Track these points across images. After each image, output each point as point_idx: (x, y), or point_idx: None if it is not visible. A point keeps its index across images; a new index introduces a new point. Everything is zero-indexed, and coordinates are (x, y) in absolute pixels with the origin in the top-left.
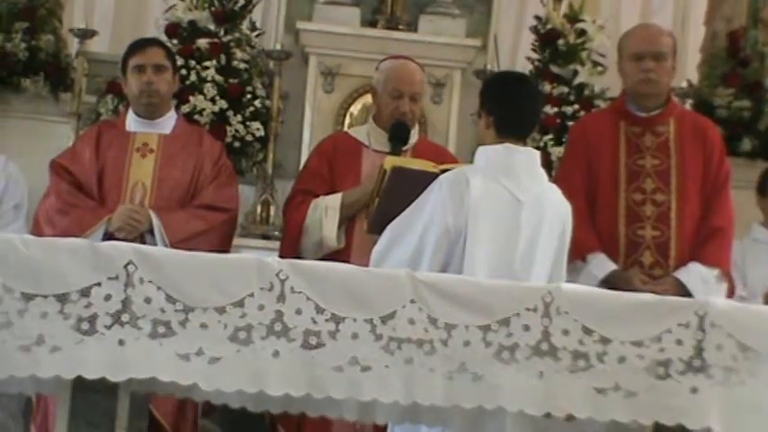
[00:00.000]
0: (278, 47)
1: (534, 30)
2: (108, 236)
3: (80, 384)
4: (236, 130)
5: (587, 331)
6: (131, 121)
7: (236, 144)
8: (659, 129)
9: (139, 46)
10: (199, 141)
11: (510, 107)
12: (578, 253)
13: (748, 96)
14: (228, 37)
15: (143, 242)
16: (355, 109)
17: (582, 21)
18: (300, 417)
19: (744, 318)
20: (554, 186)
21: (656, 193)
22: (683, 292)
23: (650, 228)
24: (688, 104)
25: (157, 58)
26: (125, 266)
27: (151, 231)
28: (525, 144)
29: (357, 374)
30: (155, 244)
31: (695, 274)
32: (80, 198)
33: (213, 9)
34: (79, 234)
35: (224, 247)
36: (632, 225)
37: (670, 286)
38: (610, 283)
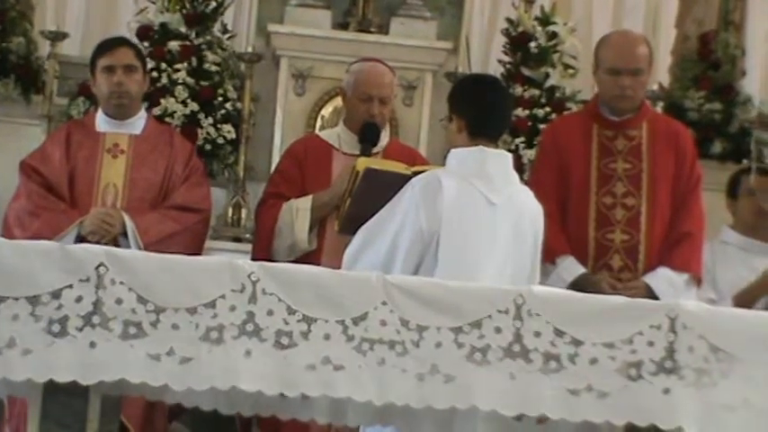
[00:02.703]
0: (249, 49)
1: (506, 32)
2: (80, 239)
3: (51, 386)
4: (208, 133)
5: (559, 333)
6: (101, 122)
7: (208, 147)
8: (631, 132)
9: (109, 46)
10: (170, 141)
11: (481, 109)
12: (548, 255)
13: (719, 99)
14: (200, 39)
15: (116, 244)
16: (326, 112)
17: (553, 23)
18: (278, 421)
19: (715, 320)
20: (526, 189)
21: (627, 197)
22: (651, 296)
23: (620, 232)
24: (659, 107)
25: (127, 59)
26: (96, 268)
27: (124, 234)
28: (497, 146)
29: (330, 373)
30: (128, 247)
31: (663, 279)
32: (51, 200)
33: (184, 12)
34: (51, 237)
35: (197, 247)
36: (602, 229)
37: (638, 290)
38: (578, 286)
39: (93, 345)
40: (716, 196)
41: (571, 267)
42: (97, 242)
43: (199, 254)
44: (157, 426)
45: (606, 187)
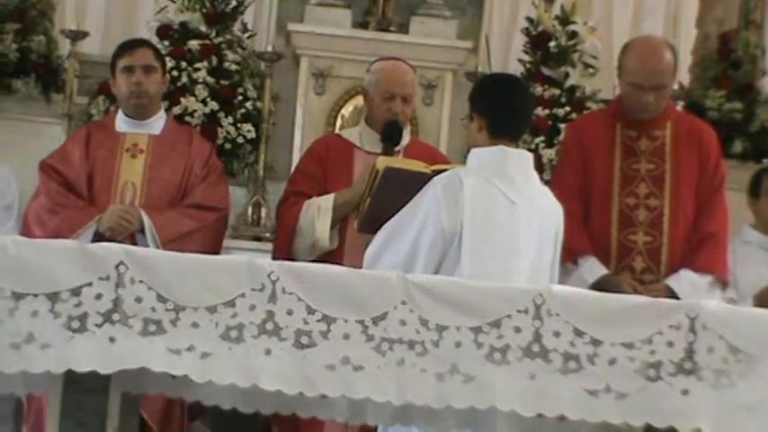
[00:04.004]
0: (269, 48)
1: (526, 32)
2: (98, 236)
3: (71, 384)
4: (228, 132)
5: (578, 333)
6: (121, 122)
7: (228, 146)
8: (655, 133)
9: (128, 47)
10: (189, 141)
11: (502, 109)
12: (570, 255)
13: (740, 98)
14: (220, 38)
15: (134, 242)
16: (346, 111)
17: (573, 23)
18: (296, 419)
19: (735, 320)
20: (546, 188)
21: (650, 198)
22: (673, 299)
23: (642, 233)
24: (679, 106)
25: (146, 59)
26: (116, 267)
27: (142, 231)
28: (517, 146)
29: (349, 373)
30: (146, 244)
31: (685, 281)
32: (70, 198)
33: (205, 11)
34: (69, 234)
35: (215, 246)
36: (624, 230)
37: (660, 293)
38: (600, 287)
39: (112, 339)
40: (737, 196)
41: (593, 268)
42: (114, 239)
43: (217, 252)
44: (176, 422)
45: (629, 188)
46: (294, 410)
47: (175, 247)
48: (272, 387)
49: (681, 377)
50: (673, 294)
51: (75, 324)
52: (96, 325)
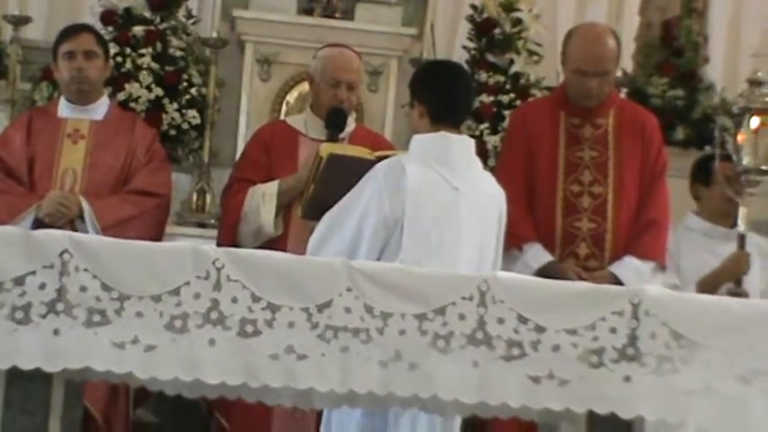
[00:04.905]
0: (214, 35)
1: (470, 19)
2: (37, 222)
3: (14, 373)
4: (172, 118)
5: (522, 320)
6: (63, 108)
7: (172, 132)
8: (599, 120)
9: (70, 32)
10: (131, 128)
11: (442, 95)
12: (515, 242)
13: (682, 86)
14: (164, 24)
15: (74, 228)
16: (291, 97)
17: (518, 10)
18: (235, 402)
19: (677, 306)
20: (489, 174)
21: (594, 185)
22: (618, 285)
23: (587, 220)
24: (622, 93)
25: (88, 45)
26: (60, 255)
27: (82, 217)
28: (459, 132)
29: (293, 363)
30: (85, 230)
31: (629, 268)
32: (9, 184)
33: None
34: (8, 219)
35: (156, 232)
36: (569, 217)
37: (604, 279)
38: (545, 274)
39: (56, 332)
40: (679, 182)
41: (538, 255)
42: (54, 225)
43: (158, 239)
44: (120, 409)
45: (573, 175)
46: (239, 395)
47: (115, 233)
48: (216, 380)
49: (623, 363)
50: (617, 281)
51: (19, 315)
52: (40, 316)
